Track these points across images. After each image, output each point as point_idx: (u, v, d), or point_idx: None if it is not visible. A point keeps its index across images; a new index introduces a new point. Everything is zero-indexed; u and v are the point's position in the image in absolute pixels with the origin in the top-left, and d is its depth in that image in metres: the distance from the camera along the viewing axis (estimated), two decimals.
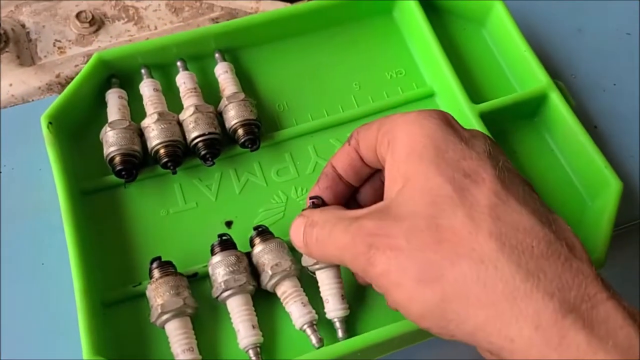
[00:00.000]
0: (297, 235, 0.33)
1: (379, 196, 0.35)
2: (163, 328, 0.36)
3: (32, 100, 0.47)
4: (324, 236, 0.31)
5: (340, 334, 0.37)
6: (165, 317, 0.36)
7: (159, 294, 0.36)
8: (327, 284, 0.36)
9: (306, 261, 0.37)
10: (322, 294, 0.37)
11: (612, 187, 0.41)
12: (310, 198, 0.36)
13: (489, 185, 0.27)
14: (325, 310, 0.37)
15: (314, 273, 0.37)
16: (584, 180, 0.44)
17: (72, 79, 0.42)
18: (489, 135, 0.41)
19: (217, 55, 0.46)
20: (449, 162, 0.28)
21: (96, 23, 0.51)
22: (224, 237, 0.39)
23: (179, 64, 0.45)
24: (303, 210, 0.35)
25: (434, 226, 0.26)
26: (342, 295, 0.37)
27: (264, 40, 0.48)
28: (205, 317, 0.38)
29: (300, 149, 0.44)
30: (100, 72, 0.43)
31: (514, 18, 0.47)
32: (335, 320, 0.37)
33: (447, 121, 0.30)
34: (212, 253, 0.38)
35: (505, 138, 0.46)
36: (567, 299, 0.24)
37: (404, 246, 0.26)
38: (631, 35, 0.54)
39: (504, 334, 0.24)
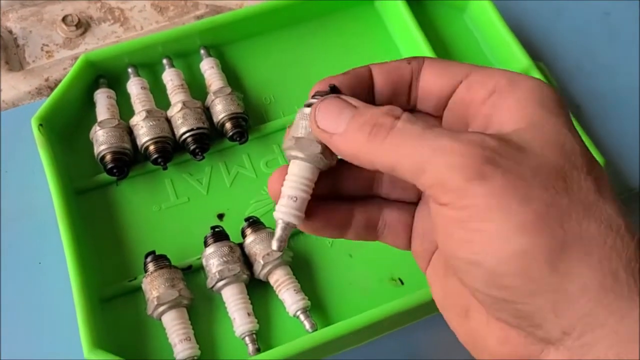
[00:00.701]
0: (331, 119, 0.25)
1: None
2: (160, 320, 0.37)
3: (22, 104, 0.48)
4: (412, 132, 0.24)
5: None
6: (161, 308, 0.36)
7: (154, 286, 0.37)
8: (294, 180, 0.27)
9: (290, 146, 0.27)
10: (286, 184, 0.27)
11: None
12: (330, 86, 0.27)
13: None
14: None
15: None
16: None
17: (61, 82, 0.43)
18: None
19: (202, 51, 0.46)
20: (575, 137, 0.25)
21: (82, 26, 0.52)
22: (216, 229, 0.39)
23: (164, 61, 0.45)
24: (319, 96, 0.26)
25: (562, 174, 0.23)
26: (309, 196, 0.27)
27: (248, 35, 0.48)
28: (200, 307, 0.39)
29: None
30: (87, 73, 0.44)
31: (493, 1, 0.48)
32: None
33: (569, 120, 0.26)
34: (206, 245, 0.39)
35: None
36: None
37: (528, 178, 0.23)
38: (610, 14, 0.54)
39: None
